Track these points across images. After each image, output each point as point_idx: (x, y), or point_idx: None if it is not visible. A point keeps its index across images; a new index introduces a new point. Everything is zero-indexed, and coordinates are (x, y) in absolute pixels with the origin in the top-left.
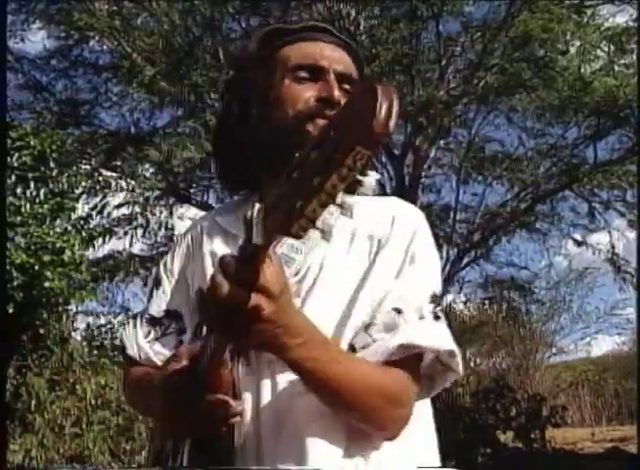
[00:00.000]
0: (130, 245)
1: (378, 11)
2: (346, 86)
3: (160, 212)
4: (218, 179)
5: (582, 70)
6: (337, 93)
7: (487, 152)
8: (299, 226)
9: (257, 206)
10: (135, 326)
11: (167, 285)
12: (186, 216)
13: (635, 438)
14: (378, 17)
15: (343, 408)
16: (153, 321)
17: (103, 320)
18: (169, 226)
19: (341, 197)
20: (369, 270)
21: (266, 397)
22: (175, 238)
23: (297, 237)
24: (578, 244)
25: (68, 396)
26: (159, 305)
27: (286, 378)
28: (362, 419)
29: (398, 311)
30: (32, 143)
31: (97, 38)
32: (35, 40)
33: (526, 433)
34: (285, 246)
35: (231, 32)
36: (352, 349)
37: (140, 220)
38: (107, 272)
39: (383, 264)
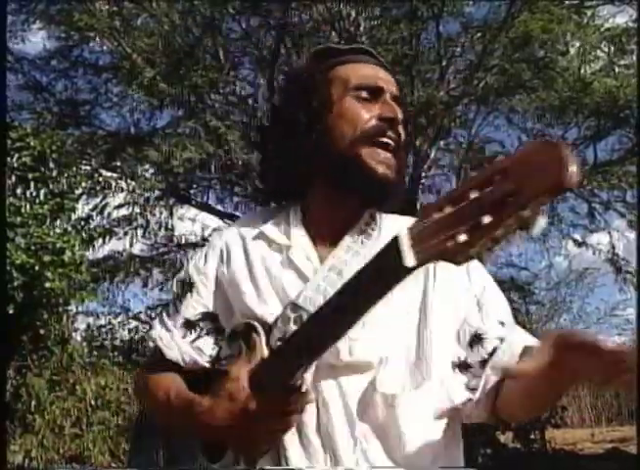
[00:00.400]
0: (130, 245)
1: (378, 11)
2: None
3: (160, 213)
4: (262, 185)
5: (582, 70)
6: (400, 115)
7: (487, 152)
8: (464, 256)
9: (404, 230)
10: (168, 329)
11: (202, 287)
12: (186, 217)
13: (635, 438)
14: (378, 17)
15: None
16: (188, 324)
17: (103, 321)
18: (169, 227)
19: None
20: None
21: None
22: (208, 243)
23: (457, 264)
24: (578, 244)
25: (69, 396)
26: (194, 308)
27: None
28: None
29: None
30: (32, 144)
31: (97, 39)
32: (35, 41)
33: (526, 433)
34: None
35: (231, 33)
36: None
37: (140, 221)
38: (107, 273)
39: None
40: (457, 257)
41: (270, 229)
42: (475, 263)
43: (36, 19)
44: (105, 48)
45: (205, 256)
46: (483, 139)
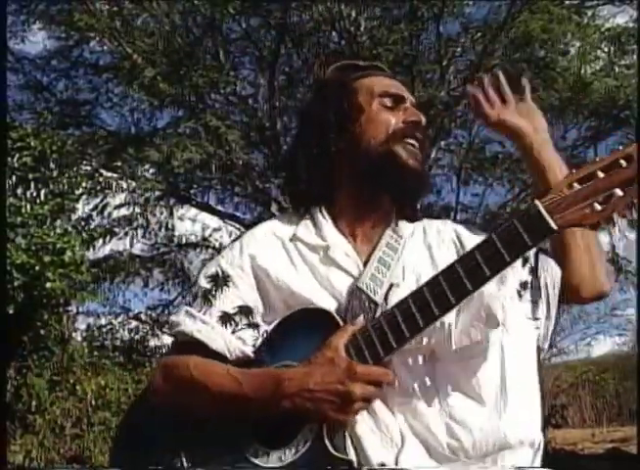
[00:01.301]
0: (131, 245)
1: (378, 12)
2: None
3: (161, 213)
4: (290, 189)
5: (582, 70)
6: (424, 119)
7: (488, 153)
8: (599, 222)
9: (537, 202)
10: (205, 322)
11: (239, 280)
12: (186, 217)
13: (635, 438)
14: (378, 17)
15: None
16: (226, 317)
17: (103, 321)
18: (170, 227)
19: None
20: None
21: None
22: (239, 240)
23: (593, 228)
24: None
25: (69, 396)
26: (232, 301)
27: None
28: None
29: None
30: (33, 144)
31: (97, 39)
32: (36, 41)
33: None
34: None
35: (231, 33)
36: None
37: (140, 221)
38: (107, 273)
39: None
40: (593, 222)
41: (303, 232)
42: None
43: (37, 19)
44: (105, 48)
45: (240, 250)
46: (484, 139)
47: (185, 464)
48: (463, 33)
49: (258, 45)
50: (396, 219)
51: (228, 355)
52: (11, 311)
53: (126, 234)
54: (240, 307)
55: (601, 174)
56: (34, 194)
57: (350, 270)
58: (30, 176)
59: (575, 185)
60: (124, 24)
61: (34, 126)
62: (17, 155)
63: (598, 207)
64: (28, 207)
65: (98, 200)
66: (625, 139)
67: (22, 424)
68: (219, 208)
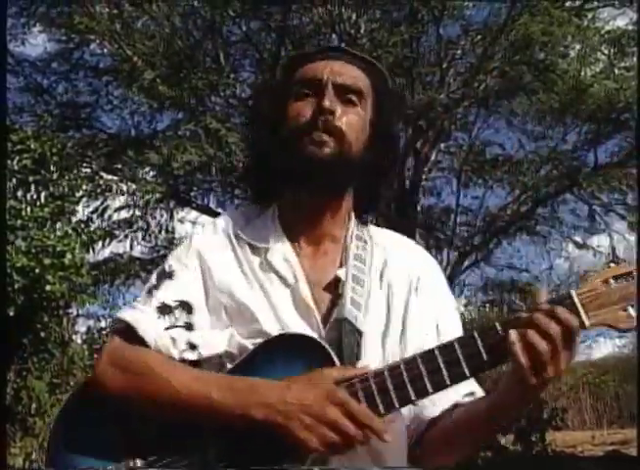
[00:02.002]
0: (131, 248)
1: (378, 14)
2: (350, 96)
3: (161, 216)
4: (249, 190)
5: (582, 73)
6: (327, 102)
7: (488, 155)
8: (630, 325)
9: (574, 293)
10: (142, 311)
11: (182, 275)
12: (186, 219)
13: (636, 441)
14: (378, 20)
15: None
16: (163, 309)
17: (103, 323)
18: (170, 229)
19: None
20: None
21: None
22: (190, 238)
23: (624, 332)
24: (579, 246)
25: None
26: (174, 293)
27: None
28: None
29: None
30: (33, 146)
31: (97, 41)
32: (36, 43)
33: (527, 436)
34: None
35: (231, 35)
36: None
37: (140, 223)
38: (107, 275)
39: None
40: (626, 327)
41: (249, 232)
42: (446, 292)
43: (37, 21)
44: (105, 51)
45: (188, 247)
46: (484, 142)
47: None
48: (463, 36)
49: (259, 48)
50: (356, 221)
51: (152, 347)
52: (11, 314)
53: (126, 237)
54: (179, 302)
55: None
56: (34, 196)
57: (286, 276)
58: (30, 179)
59: (612, 282)
60: (124, 27)
61: (34, 129)
62: (17, 157)
63: (632, 311)
64: (29, 209)
65: (98, 202)
66: (625, 142)
67: (22, 427)
68: (220, 210)
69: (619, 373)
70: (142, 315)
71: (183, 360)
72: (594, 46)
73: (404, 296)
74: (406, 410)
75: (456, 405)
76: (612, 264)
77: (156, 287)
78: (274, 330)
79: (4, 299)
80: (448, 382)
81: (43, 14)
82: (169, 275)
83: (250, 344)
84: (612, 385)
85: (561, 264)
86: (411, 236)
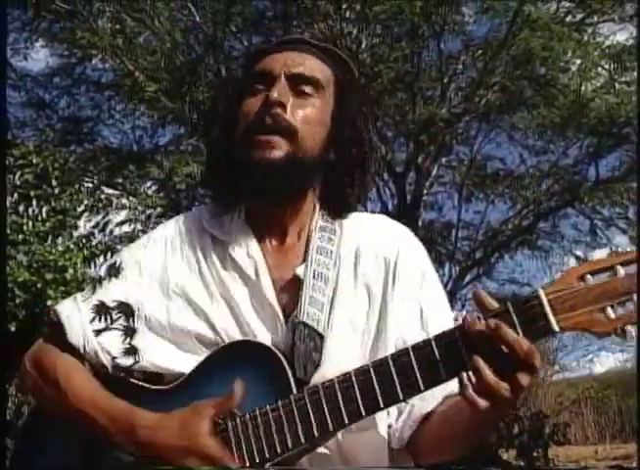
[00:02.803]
0: None
1: (379, 29)
2: (305, 88)
3: None
4: (212, 190)
5: (583, 87)
6: (274, 94)
7: (489, 169)
8: (609, 331)
9: (542, 293)
10: (78, 308)
11: (130, 275)
12: None
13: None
14: (379, 35)
15: None
16: (100, 308)
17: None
18: None
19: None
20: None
21: None
22: (149, 234)
23: (601, 337)
24: (581, 261)
25: None
26: (116, 293)
27: None
28: None
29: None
30: (34, 161)
31: (100, 56)
32: (38, 58)
33: (529, 451)
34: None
35: (233, 51)
36: None
37: None
38: None
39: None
40: (602, 331)
41: (214, 224)
42: (429, 267)
43: (39, 36)
44: (107, 65)
45: (146, 243)
46: (485, 156)
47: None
48: (464, 51)
49: None
50: (322, 213)
51: (83, 353)
52: (12, 329)
53: None
54: (120, 303)
55: (622, 271)
56: (36, 211)
57: (248, 273)
58: (32, 193)
59: (588, 278)
60: (126, 42)
61: (36, 143)
62: (18, 172)
63: (611, 313)
64: (30, 224)
65: (100, 217)
66: (626, 156)
67: None
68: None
69: (622, 387)
70: (76, 314)
71: (116, 366)
72: (595, 61)
73: (381, 285)
74: (394, 408)
75: (445, 401)
76: (589, 259)
77: (100, 282)
78: (234, 333)
79: (5, 313)
80: (382, 405)
81: (45, 29)
82: (117, 271)
83: (198, 352)
84: (614, 399)
85: None
86: None
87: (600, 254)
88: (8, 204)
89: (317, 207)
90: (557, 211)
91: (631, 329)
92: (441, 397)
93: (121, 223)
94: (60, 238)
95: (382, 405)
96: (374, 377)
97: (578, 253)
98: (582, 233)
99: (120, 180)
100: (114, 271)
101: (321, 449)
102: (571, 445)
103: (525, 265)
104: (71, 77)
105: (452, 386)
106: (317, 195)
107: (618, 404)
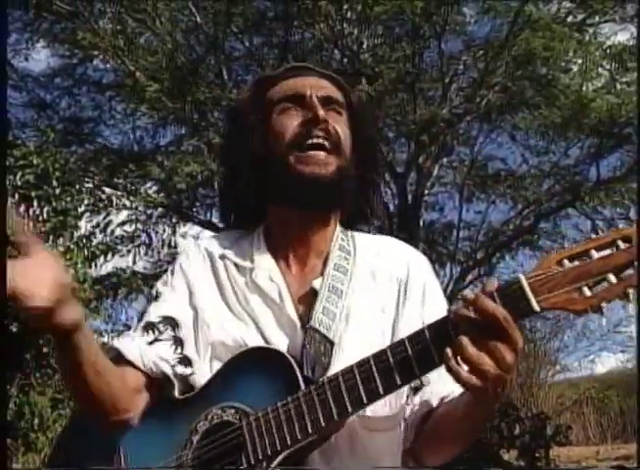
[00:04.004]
0: (133, 263)
1: (380, 30)
2: (335, 107)
3: (163, 230)
4: (223, 217)
5: (584, 88)
6: (321, 112)
7: (490, 170)
8: (586, 308)
9: (522, 277)
10: (129, 335)
11: (167, 295)
12: (189, 234)
13: None
14: (380, 36)
15: None
16: (148, 326)
17: (106, 338)
18: (172, 244)
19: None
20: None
21: None
22: (175, 263)
23: (579, 314)
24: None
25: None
26: (159, 311)
27: None
28: None
29: None
30: (35, 161)
31: (101, 57)
32: (39, 59)
33: (531, 452)
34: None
35: (234, 51)
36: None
37: (143, 238)
38: (110, 290)
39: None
40: (578, 309)
41: (234, 252)
42: (433, 284)
43: (40, 37)
44: (108, 66)
45: (173, 271)
46: (486, 156)
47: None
48: (465, 51)
49: (261, 63)
50: (342, 233)
51: (142, 367)
52: (14, 329)
53: (129, 251)
54: (164, 317)
55: (595, 254)
56: (37, 211)
57: (272, 296)
58: (33, 194)
59: (566, 262)
60: (128, 43)
61: (37, 144)
62: (19, 172)
63: (587, 292)
64: (31, 224)
65: (100, 217)
66: (627, 156)
67: (25, 442)
68: (222, 225)
69: (623, 388)
70: (127, 339)
71: (176, 374)
72: (596, 61)
73: (394, 305)
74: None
75: (445, 398)
76: (566, 245)
77: (144, 312)
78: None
79: (6, 314)
80: (381, 391)
81: (47, 29)
82: (156, 297)
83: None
84: (615, 400)
85: None
86: None
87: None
88: (9, 204)
89: (338, 226)
90: (558, 212)
91: (605, 305)
92: (438, 398)
93: (122, 223)
94: (61, 238)
95: (382, 392)
96: (374, 368)
97: None
98: (583, 233)
99: (121, 180)
100: (154, 298)
101: (334, 448)
102: (573, 445)
103: (527, 266)
104: (73, 78)
105: (450, 388)
106: (339, 214)
107: (620, 405)
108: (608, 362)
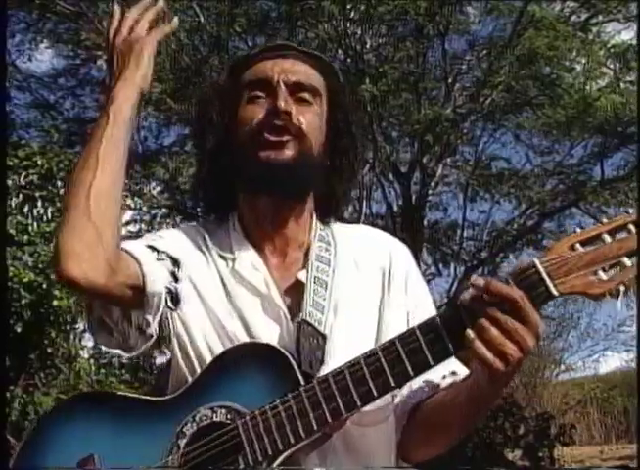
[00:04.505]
0: None
1: (384, 30)
2: (304, 95)
3: None
4: (201, 201)
5: (588, 87)
6: (281, 102)
7: (494, 169)
8: (603, 292)
9: (537, 261)
10: (158, 259)
11: (169, 248)
12: None
13: None
14: (384, 35)
15: None
16: (154, 249)
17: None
18: None
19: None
20: (384, 300)
21: None
22: (162, 232)
23: (597, 299)
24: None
25: None
26: (164, 244)
27: None
28: None
29: None
30: (39, 162)
31: (104, 57)
32: (43, 59)
33: (535, 451)
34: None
35: (237, 51)
36: None
37: None
38: None
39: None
40: (597, 292)
41: (214, 242)
42: (414, 272)
43: (44, 37)
44: None
45: (162, 235)
46: (490, 156)
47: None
48: (469, 51)
49: None
50: (318, 222)
51: (147, 276)
52: (18, 330)
53: None
54: (167, 253)
55: (608, 239)
56: (41, 212)
57: (257, 285)
58: (37, 194)
59: (578, 247)
60: None
61: (41, 144)
62: (23, 173)
63: (603, 276)
64: (35, 225)
65: None
66: (632, 156)
67: None
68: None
69: (627, 387)
70: (135, 243)
71: (170, 290)
72: (599, 60)
73: (379, 294)
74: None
75: (437, 388)
76: (577, 229)
77: (147, 238)
78: (243, 338)
79: (11, 314)
80: (393, 384)
81: (50, 30)
82: (160, 236)
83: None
84: (620, 399)
85: None
86: (417, 251)
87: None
88: (13, 204)
89: (314, 216)
90: (562, 211)
91: (622, 289)
92: (428, 388)
93: (126, 224)
94: None
95: (393, 384)
96: (382, 359)
97: None
98: None
99: (125, 181)
100: (158, 236)
101: (327, 446)
102: (577, 445)
103: None
104: (76, 78)
105: (440, 375)
106: (313, 202)
107: (624, 405)
108: (612, 362)
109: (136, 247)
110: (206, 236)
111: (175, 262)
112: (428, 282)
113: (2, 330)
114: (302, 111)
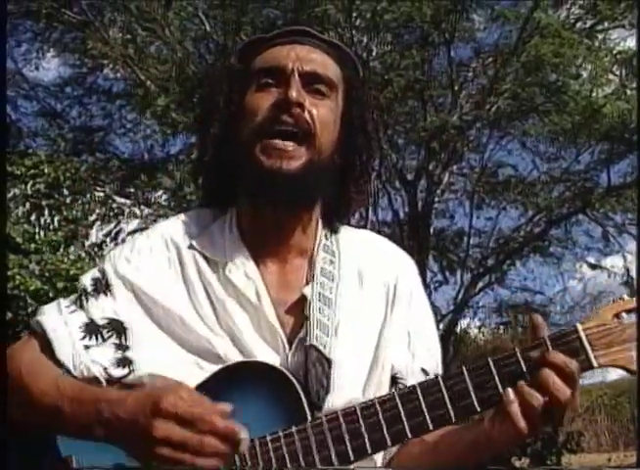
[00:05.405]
0: None
1: (390, 37)
2: (319, 87)
3: None
4: (202, 189)
5: (594, 93)
6: (293, 94)
7: (501, 176)
8: None
9: (580, 327)
10: (66, 323)
11: (118, 291)
12: None
13: None
14: (390, 43)
15: None
16: (91, 327)
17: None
18: None
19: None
20: (388, 317)
21: None
22: (132, 243)
23: (633, 373)
24: (593, 267)
25: None
26: (103, 311)
27: None
28: None
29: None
30: (46, 171)
31: (111, 66)
32: (50, 68)
33: (542, 459)
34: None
35: None
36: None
37: None
38: None
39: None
40: (635, 368)
41: (204, 242)
42: (419, 290)
43: (51, 46)
44: (118, 75)
45: (129, 256)
46: (496, 163)
47: None
48: (474, 58)
49: None
50: (325, 229)
51: (72, 370)
52: (16, 329)
53: None
54: (111, 321)
55: None
56: (48, 221)
57: (248, 295)
58: (44, 203)
59: (624, 316)
60: (138, 52)
61: (48, 153)
62: (30, 181)
63: None
64: (42, 233)
65: (111, 226)
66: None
67: None
68: None
69: (635, 394)
70: (62, 328)
71: (110, 378)
72: (605, 67)
73: (383, 311)
74: None
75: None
76: (625, 297)
77: (86, 297)
78: (233, 356)
79: (17, 322)
80: (410, 434)
81: (57, 39)
82: (105, 288)
83: (199, 365)
84: (627, 406)
85: (574, 286)
86: (424, 258)
87: (612, 260)
88: (20, 213)
89: (320, 223)
90: (569, 218)
91: None
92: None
93: (133, 232)
94: (72, 247)
95: (409, 435)
96: (400, 407)
97: (591, 259)
98: (594, 240)
99: (132, 190)
100: (103, 287)
101: None
102: (585, 452)
103: (537, 272)
104: (83, 87)
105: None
106: (320, 207)
107: (632, 411)
108: (620, 369)
109: (65, 343)
110: (193, 238)
111: (123, 330)
112: (434, 290)
113: (7, 337)
114: (316, 104)
